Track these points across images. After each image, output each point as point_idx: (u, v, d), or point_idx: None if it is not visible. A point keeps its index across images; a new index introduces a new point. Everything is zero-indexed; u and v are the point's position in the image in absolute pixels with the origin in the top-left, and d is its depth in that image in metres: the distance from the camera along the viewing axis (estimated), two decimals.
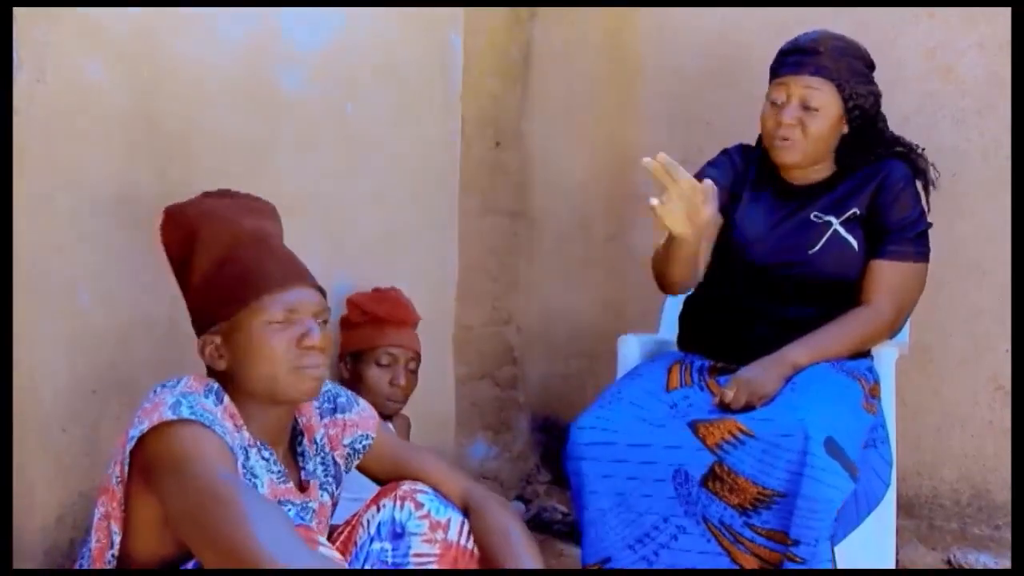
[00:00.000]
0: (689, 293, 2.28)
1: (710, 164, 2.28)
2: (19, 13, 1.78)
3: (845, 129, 2.16)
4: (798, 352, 2.05)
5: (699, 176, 2.23)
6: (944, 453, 2.52)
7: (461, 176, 2.81)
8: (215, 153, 2.14)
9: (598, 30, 2.94)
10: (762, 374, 2.01)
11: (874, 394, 2.10)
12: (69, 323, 1.88)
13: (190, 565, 1.45)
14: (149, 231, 1.70)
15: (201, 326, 1.57)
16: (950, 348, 2.50)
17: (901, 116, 2.46)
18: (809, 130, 2.11)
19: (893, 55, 2.52)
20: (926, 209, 2.19)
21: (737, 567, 1.93)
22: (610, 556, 2.00)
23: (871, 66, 2.18)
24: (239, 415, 1.53)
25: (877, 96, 2.18)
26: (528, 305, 3.04)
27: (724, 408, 2.00)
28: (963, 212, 2.46)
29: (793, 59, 2.13)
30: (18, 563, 1.78)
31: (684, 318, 2.28)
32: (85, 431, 1.84)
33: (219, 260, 1.56)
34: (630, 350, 2.34)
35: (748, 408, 1.98)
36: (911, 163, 2.19)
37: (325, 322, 1.57)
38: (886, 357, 2.20)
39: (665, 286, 2.16)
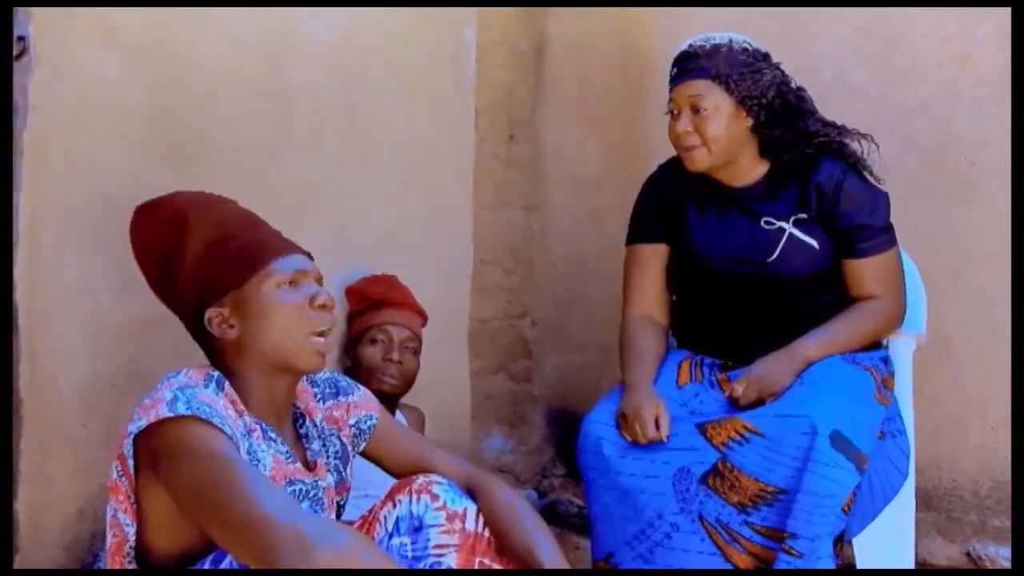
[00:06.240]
0: (676, 303, 2.26)
1: (640, 199, 2.26)
2: (36, 11, 1.79)
3: (749, 122, 2.08)
4: (809, 346, 2.04)
5: (636, 213, 2.26)
6: (963, 444, 2.50)
7: (474, 170, 2.81)
8: (229, 148, 2.15)
9: (611, 23, 2.93)
10: (773, 369, 2.01)
11: (887, 385, 2.08)
12: (87, 319, 1.89)
13: (208, 560, 1.46)
14: None
15: (206, 300, 1.58)
16: (968, 338, 2.48)
17: (918, 104, 2.45)
18: (706, 133, 2.06)
19: (910, 44, 2.50)
20: (876, 184, 2.12)
21: (731, 566, 1.92)
22: (613, 551, 2.00)
23: (758, 55, 2.09)
24: (240, 400, 1.55)
25: (775, 82, 2.07)
26: (542, 298, 3.04)
27: (734, 402, 2.00)
28: (980, 201, 2.44)
29: (676, 70, 2.11)
30: (39, 556, 1.80)
31: (676, 326, 2.26)
32: (105, 426, 1.85)
33: (215, 239, 1.59)
34: None
35: (758, 403, 1.98)
36: (839, 154, 2.10)
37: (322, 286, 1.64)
38: (903, 348, 2.19)
39: None
